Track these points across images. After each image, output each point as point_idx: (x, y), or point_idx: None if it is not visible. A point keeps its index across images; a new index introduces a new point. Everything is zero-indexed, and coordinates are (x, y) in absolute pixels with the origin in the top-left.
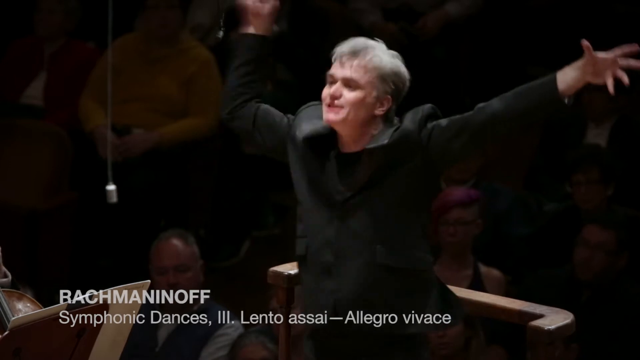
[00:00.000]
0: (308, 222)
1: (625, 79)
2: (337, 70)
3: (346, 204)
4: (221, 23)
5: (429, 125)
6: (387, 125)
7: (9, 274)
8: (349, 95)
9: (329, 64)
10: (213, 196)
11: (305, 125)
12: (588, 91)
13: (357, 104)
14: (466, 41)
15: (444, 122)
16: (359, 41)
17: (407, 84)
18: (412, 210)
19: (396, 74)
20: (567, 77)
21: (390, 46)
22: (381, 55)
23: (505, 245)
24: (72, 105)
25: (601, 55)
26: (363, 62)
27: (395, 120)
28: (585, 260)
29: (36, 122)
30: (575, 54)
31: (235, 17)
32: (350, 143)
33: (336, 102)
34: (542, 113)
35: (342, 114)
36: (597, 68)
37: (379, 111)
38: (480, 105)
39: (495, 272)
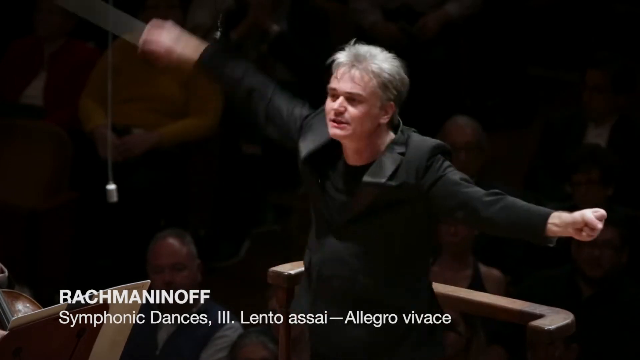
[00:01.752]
0: (313, 234)
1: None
2: (338, 84)
3: (344, 227)
4: (219, 23)
5: (435, 170)
6: (390, 135)
7: (5, 269)
8: (353, 110)
9: (329, 64)
10: (213, 196)
11: (311, 137)
12: (588, 91)
13: (363, 118)
14: (466, 41)
15: (450, 181)
16: (357, 50)
17: (408, 86)
18: (409, 250)
19: (397, 80)
20: (555, 227)
21: (390, 46)
22: (380, 64)
23: (505, 245)
24: (72, 105)
25: (593, 221)
26: (364, 73)
27: (401, 126)
28: (594, 259)
29: (36, 122)
30: (575, 54)
31: (233, 17)
32: (356, 155)
33: (341, 117)
34: (527, 239)
35: (348, 129)
36: (582, 228)
37: (384, 119)
38: (487, 198)
39: (495, 272)
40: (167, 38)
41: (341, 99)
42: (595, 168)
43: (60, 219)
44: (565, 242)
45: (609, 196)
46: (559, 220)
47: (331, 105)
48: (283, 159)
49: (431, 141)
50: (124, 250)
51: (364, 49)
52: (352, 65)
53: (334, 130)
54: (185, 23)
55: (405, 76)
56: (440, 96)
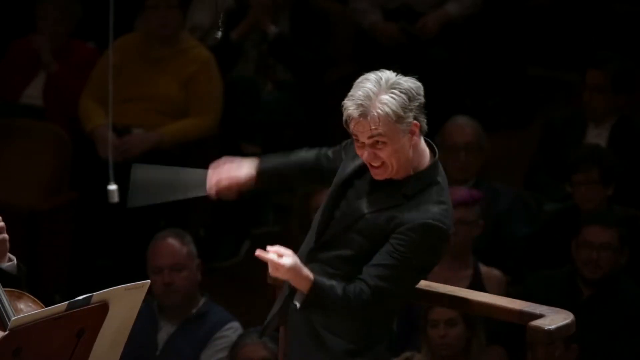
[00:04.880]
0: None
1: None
2: (358, 134)
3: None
4: (220, 23)
5: (403, 239)
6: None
7: (13, 257)
8: (384, 153)
9: (329, 64)
10: None
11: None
12: (588, 91)
13: (396, 154)
14: (466, 41)
15: (386, 251)
16: (359, 96)
17: (421, 88)
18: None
19: (407, 102)
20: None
21: (390, 46)
22: (384, 102)
23: (505, 245)
24: (72, 105)
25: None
26: (375, 120)
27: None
28: (592, 261)
29: (36, 122)
30: (575, 54)
31: (233, 17)
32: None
33: (377, 162)
34: None
35: (388, 169)
36: None
37: (415, 139)
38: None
39: (495, 272)
40: (230, 171)
41: (367, 147)
42: (595, 168)
43: (60, 219)
44: (566, 242)
45: (609, 196)
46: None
47: (362, 153)
48: None
49: (431, 215)
50: (123, 251)
51: (365, 89)
52: (361, 116)
53: (376, 176)
54: (185, 23)
55: (411, 86)
56: (440, 96)
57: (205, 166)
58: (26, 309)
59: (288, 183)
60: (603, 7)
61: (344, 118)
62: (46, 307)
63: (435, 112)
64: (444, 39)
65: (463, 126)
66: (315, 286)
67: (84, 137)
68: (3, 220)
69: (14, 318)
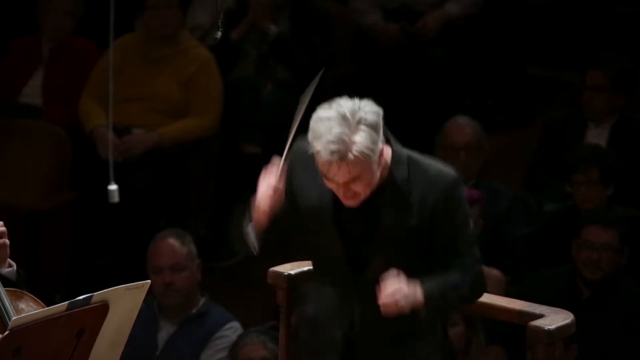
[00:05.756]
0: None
1: None
2: (334, 177)
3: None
4: (220, 23)
5: (451, 211)
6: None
7: (13, 263)
8: (359, 187)
9: (329, 64)
10: (213, 196)
11: (307, 190)
12: (588, 91)
13: (370, 184)
14: (466, 41)
15: (453, 227)
16: (328, 139)
17: (381, 115)
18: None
19: (375, 135)
20: None
21: (390, 46)
22: (359, 141)
23: (505, 245)
24: (71, 105)
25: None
26: (351, 164)
27: (388, 134)
28: (593, 262)
29: (35, 122)
30: (575, 54)
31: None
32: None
33: (351, 194)
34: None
35: (361, 197)
36: None
37: (382, 161)
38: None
39: (495, 272)
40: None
41: (342, 185)
42: (595, 168)
43: (60, 219)
44: (565, 242)
45: (609, 196)
46: None
47: (334, 187)
48: None
49: (446, 173)
50: (123, 251)
51: (335, 132)
52: (336, 161)
53: (348, 203)
54: (185, 23)
55: (374, 117)
56: (440, 96)
57: (205, 166)
58: (27, 309)
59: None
60: (603, 7)
61: (316, 161)
62: (46, 307)
63: (435, 112)
64: (444, 39)
65: (463, 126)
66: (427, 300)
67: (84, 137)
68: (3, 220)
69: (14, 318)
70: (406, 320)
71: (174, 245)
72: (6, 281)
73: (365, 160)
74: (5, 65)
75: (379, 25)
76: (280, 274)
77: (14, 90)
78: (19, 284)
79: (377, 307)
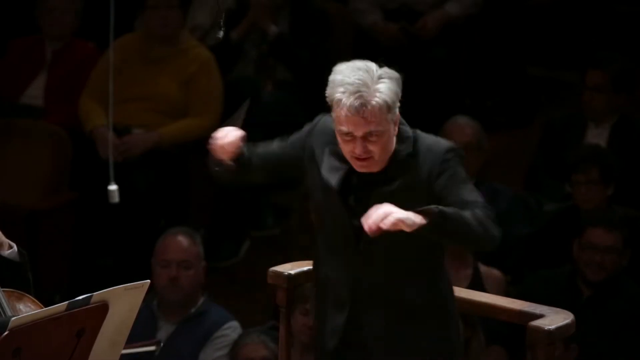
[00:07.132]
0: (324, 249)
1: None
2: (353, 128)
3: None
4: (221, 23)
5: (448, 173)
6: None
7: (13, 244)
8: (375, 147)
9: (329, 64)
10: (213, 196)
11: (327, 163)
12: (588, 91)
13: (385, 147)
14: (466, 41)
15: (457, 181)
16: (355, 84)
17: (400, 80)
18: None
19: (395, 94)
20: None
21: (390, 46)
22: (382, 91)
23: (505, 245)
24: (72, 105)
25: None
26: (374, 111)
27: (400, 118)
28: (596, 264)
29: (36, 122)
30: (575, 54)
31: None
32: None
33: (366, 156)
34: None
35: (374, 162)
36: None
37: (396, 130)
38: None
39: (495, 272)
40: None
41: (359, 140)
42: (595, 168)
43: (60, 219)
44: (566, 242)
45: (609, 196)
46: None
47: (350, 147)
48: None
49: (444, 143)
50: (124, 251)
51: (359, 77)
52: (362, 106)
53: (360, 168)
54: (185, 23)
55: (394, 78)
56: (440, 96)
57: (205, 166)
58: (25, 310)
59: (251, 174)
60: (603, 7)
61: (334, 114)
62: (46, 307)
63: (435, 112)
64: (444, 39)
65: (463, 126)
66: (438, 218)
67: (84, 137)
68: (3, 220)
69: (13, 318)
70: (413, 286)
71: (186, 242)
72: (11, 264)
73: (385, 111)
74: (6, 66)
75: (379, 25)
76: (280, 274)
77: (16, 91)
78: (22, 264)
79: (381, 269)
